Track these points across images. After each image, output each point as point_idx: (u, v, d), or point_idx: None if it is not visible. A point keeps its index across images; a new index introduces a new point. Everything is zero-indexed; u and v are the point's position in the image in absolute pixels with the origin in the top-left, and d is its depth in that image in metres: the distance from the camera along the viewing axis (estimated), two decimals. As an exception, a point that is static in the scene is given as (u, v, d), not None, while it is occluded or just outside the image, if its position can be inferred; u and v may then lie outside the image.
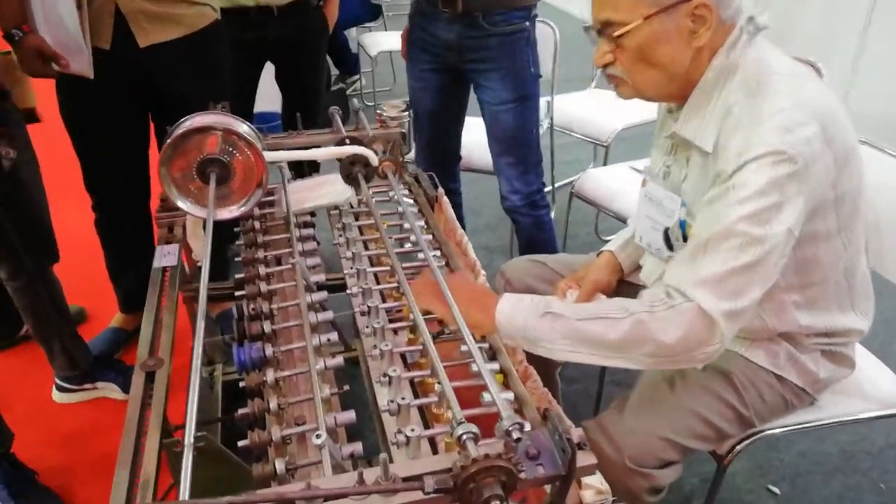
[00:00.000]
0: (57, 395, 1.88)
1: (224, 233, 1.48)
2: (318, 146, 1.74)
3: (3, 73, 1.48)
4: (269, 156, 1.22)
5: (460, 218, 2.20)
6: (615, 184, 2.07)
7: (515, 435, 0.72)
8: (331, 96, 3.83)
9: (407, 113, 1.67)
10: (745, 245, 0.90)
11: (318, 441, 0.80)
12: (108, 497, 0.84)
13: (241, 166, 1.22)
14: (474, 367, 0.99)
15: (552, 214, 2.18)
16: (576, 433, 0.76)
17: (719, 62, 0.99)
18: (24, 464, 1.60)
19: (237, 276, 1.27)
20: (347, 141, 1.34)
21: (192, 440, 0.70)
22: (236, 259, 1.36)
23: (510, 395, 0.96)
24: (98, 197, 1.86)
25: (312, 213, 1.47)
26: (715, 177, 0.97)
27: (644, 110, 2.59)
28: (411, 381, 1.05)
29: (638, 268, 1.34)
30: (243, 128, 1.22)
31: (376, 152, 1.34)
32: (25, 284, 1.62)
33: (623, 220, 2.03)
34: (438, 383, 0.96)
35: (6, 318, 1.90)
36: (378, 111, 1.67)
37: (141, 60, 1.64)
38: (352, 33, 4.43)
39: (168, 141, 1.16)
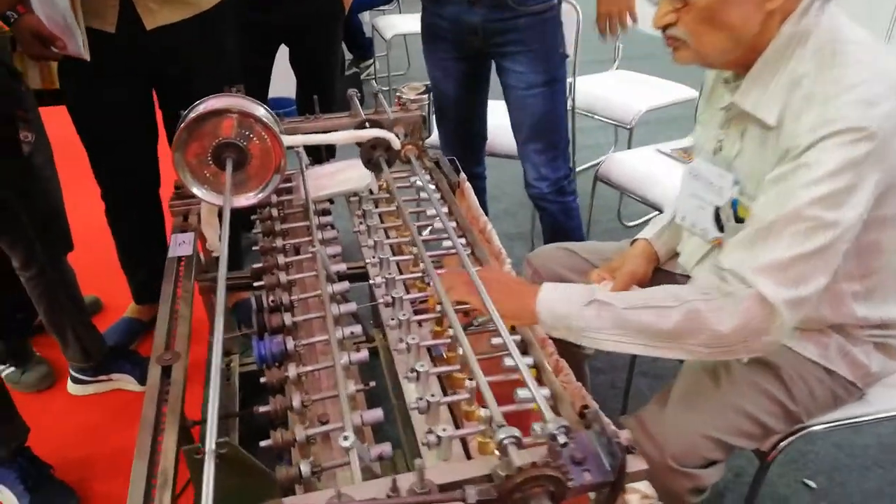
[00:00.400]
0: (72, 387, 1.85)
1: (239, 221, 1.43)
2: (337, 130, 1.70)
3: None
4: (287, 140, 1.16)
5: (483, 204, 2.14)
6: (642, 167, 2.00)
7: (562, 439, 0.66)
8: (345, 81, 3.76)
9: (427, 95, 1.61)
10: (813, 229, 0.84)
11: (346, 443, 0.75)
12: (124, 492, 0.81)
13: (258, 151, 1.16)
14: (508, 362, 0.95)
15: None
16: (624, 435, 0.70)
17: (789, 28, 0.92)
18: (39, 458, 1.57)
19: (255, 265, 1.22)
20: (367, 124, 1.29)
21: (213, 447, 0.65)
22: (253, 248, 1.32)
23: (546, 392, 0.90)
24: (106, 185, 1.82)
25: (330, 201, 1.42)
26: (782, 153, 0.91)
27: (668, 91, 2.52)
28: (438, 376, 0.99)
29: (674, 255, 1.28)
30: (260, 111, 1.17)
31: (398, 136, 1.28)
32: (38, 273, 1.59)
33: (650, 205, 1.96)
34: (469, 379, 0.91)
35: (21, 307, 1.86)
36: (398, 94, 1.61)
37: (147, 43, 1.58)
38: (365, 17, 4.35)
39: (182, 124, 1.11)
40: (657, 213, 2.50)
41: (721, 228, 1.10)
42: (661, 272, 1.29)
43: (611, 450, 0.67)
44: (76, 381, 1.83)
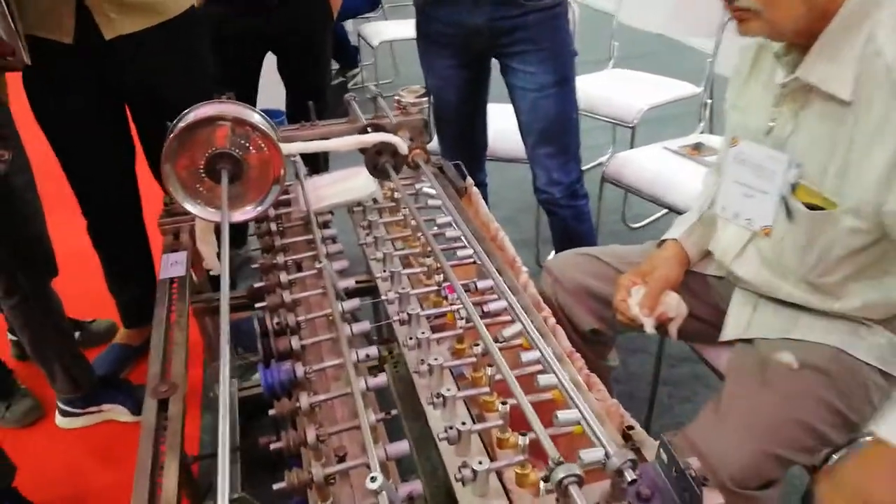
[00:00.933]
0: (60, 421, 1.74)
1: (233, 236, 1.34)
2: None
3: None
4: (285, 148, 1.07)
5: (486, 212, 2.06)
6: (651, 166, 1.93)
7: (629, 475, 0.57)
8: (331, 91, 3.67)
9: (427, 98, 1.53)
10: None
11: (374, 485, 0.66)
12: None
13: (256, 161, 1.08)
14: (542, 379, 0.86)
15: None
16: (694, 464, 0.62)
17: None
18: (26, 499, 1.46)
19: (253, 284, 1.12)
20: (370, 129, 1.20)
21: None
22: (252, 266, 1.23)
23: (590, 415, 0.81)
24: (84, 204, 1.72)
25: (331, 212, 1.33)
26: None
27: (669, 88, 2.45)
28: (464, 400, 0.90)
29: (706, 255, 1.20)
30: (255, 117, 1.08)
31: (404, 140, 1.19)
32: (20, 301, 1.49)
33: (662, 205, 1.89)
34: (503, 403, 0.82)
35: None
36: (396, 97, 1.53)
37: (108, 54, 1.48)
38: (349, 25, 4.27)
39: (171, 135, 1.02)
40: (665, 212, 2.44)
41: (790, 216, 1.00)
42: (691, 274, 1.21)
43: (683, 484, 0.58)
44: (64, 413, 1.72)
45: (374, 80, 3.98)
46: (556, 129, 1.75)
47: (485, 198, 2.02)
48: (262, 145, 1.06)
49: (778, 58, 0.99)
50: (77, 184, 1.66)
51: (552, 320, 1.08)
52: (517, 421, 0.91)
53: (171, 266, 1.27)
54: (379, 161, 1.14)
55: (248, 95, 2.11)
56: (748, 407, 0.96)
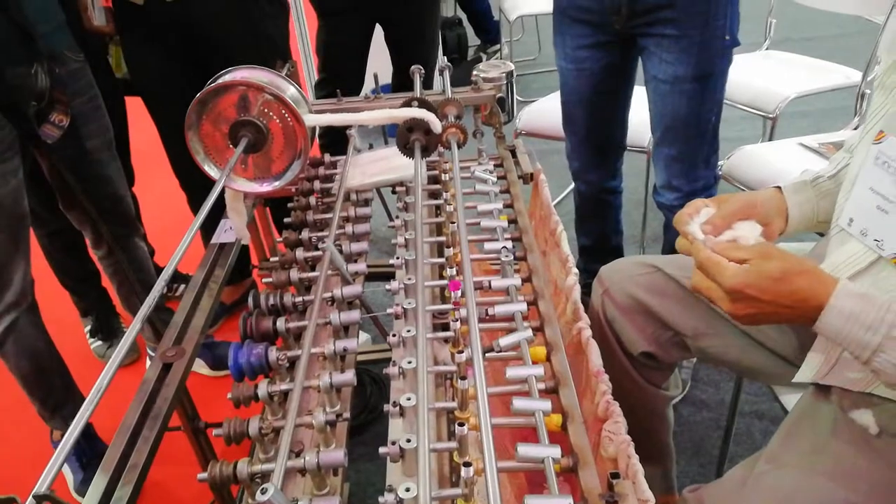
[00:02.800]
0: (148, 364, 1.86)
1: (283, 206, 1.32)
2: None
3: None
4: (308, 119, 1.02)
5: (618, 222, 1.85)
6: (777, 163, 1.65)
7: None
8: (463, 68, 3.60)
9: (505, 74, 1.41)
10: None
11: (263, 497, 0.59)
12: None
13: (280, 133, 1.03)
14: (517, 404, 0.74)
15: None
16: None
17: None
18: (98, 436, 1.57)
19: (273, 258, 1.10)
20: (414, 103, 1.11)
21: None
22: (285, 220, 1.20)
23: (555, 452, 0.68)
24: (181, 179, 1.81)
25: (378, 191, 1.27)
26: None
27: (826, 75, 2.09)
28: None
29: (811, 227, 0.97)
30: (286, 88, 1.04)
31: (446, 117, 1.09)
32: (107, 254, 1.60)
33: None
34: (461, 425, 0.72)
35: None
36: (475, 71, 1.43)
37: (174, 17, 1.51)
38: (497, -1, 4.17)
39: (196, 98, 1.01)
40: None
41: None
42: None
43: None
44: (151, 359, 1.84)
45: (512, 58, 3.85)
46: (683, 131, 1.48)
47: (619, 207, 1.82)
48: (288, 118, 1.02)
49: None
50: (167, 144, 1.74)
51: (587, 333, 0.94)
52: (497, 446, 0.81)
53: (224, 232, 1.29)
54: (409, 139, 1.05)
55: (356, 66, 2.10)
56: (792, 478, 0.76)
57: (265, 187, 1.05)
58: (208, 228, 1.91)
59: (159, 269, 1.73)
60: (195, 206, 1.88)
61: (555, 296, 1.11)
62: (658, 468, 1.21)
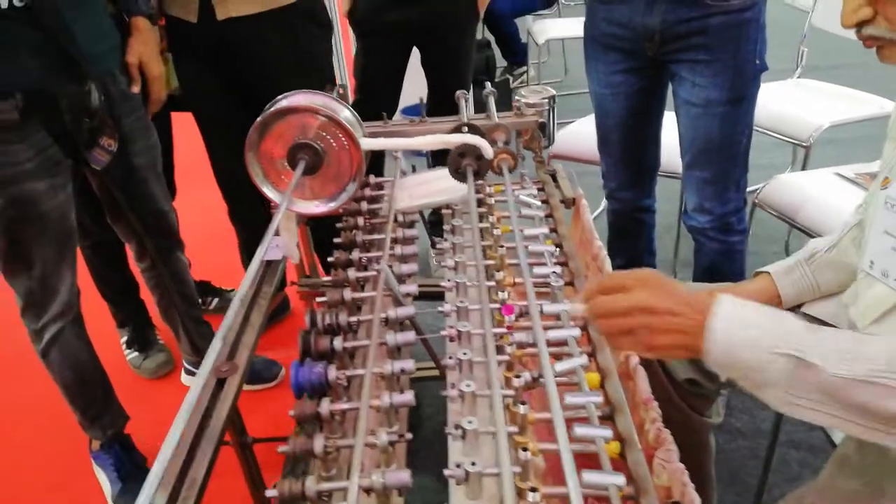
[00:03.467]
0: (185, 378, 1.90)
1: (329, 228, 1.35)
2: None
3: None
4: (365, 143, 1.05)
5: (650, 241, 1.87)
6: (814, 192, 1.65)
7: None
8: (495, 87, 3.64)
9: (548, 100, 1.43)
10: None
11: (340, 516, 0.60)
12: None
13: (336, 155, 1.06)
14: (578, 431, 0.75)
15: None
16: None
17: None
18: (136, 448, 1.60)
19: (325, 278, 1.12)
20: (466, 129, 1.14)
21: None
22: (335, 240, 1.23)
23: (620, 480, 0.69)
24: (224, 190, 1.85)
25: (421, 213, 1.29)
26: None
27: (860, 105, 2.10)
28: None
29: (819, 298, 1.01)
30: (341, 111, 1.07)
31: (495, 143, 1.12)
32: (150, 266, 1.63)
33: (809, 233, 1.62)
34: (524, 449, 0.73)
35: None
36: (516, 97, 1.45)
37: (224, 37, 1.55)
38: (526, 21, 4.21)
39: (258, 120, 1.04)
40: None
41: None
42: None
43: None
44: (188, 372, 1.88)
45: (539, 80, 3.89)
46: (716, 153, 1.51)
47: (652, 226, 1.85)
48: (344, 140, 1.05)
49: None
50: (212, 156, 1.79)
51: (635, 360, 0.95)
52: (552, 471, 0.81)
53: (272, 249, 1.31)
54: (461, 164, 1.08)
55: (392, 92, 2.14)
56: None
57: (321, 208, 1.08)
58: (249, 244, 1.96)
59: (195, 282, 1.77)
60: (237, 219, 1.92)
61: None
62: (700, 497, 1.21)
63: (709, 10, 1.35)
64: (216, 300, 2.14)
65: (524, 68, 4.05)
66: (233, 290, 2.22)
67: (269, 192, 1.07)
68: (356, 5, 2.01)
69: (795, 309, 1.06)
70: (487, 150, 1.06)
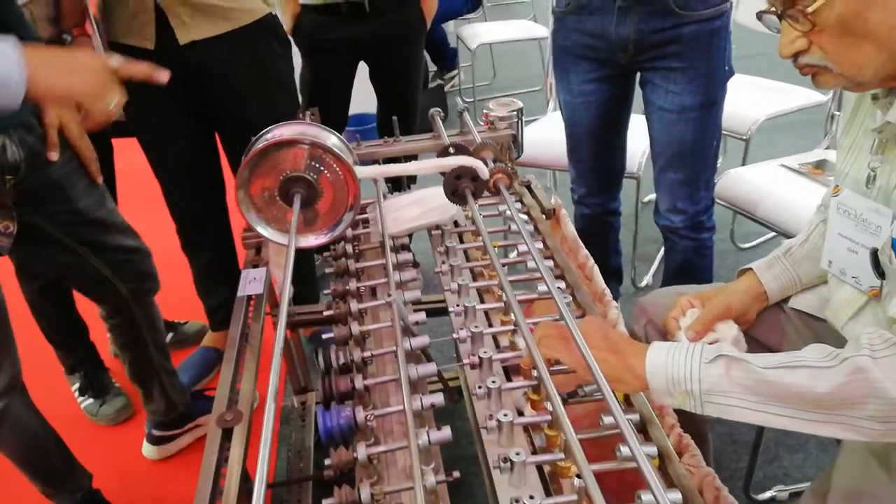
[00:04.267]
0: (148, 450, 1.70)
1: (309, 252, 1.31)
2: (416, 155, 1.56)
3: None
4: (360, 172, 1.02)
5: (616, 243, 1.91)
6: (763, 184, 1.74)
7: None
8: (428, 94, 3.63)
9: (516, 112, 1.44)
10: None
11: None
12: None
13: (330, 185, 1.03)
14: (624, 450, 0.76)
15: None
16: None
17: None
18: (107, 500, 1.50)
19: (326, 312, 1.09)
20: (451, 150, 1.13)
21: None
22: (327, 270, 1.20)
23: (677, 496, 0.71)
24: (173, 208, 1.76)
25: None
26: None
27: (790, 97, 2.23)
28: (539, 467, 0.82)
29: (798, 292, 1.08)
30: (332, 140, 1.03)
31: (485, 162, 1.11)
32: (124, 320, 1.49)
33: (770, 227, 1.71)
34: (578, 476, 0.73)
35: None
36: (485, 111, 1.46)
37: (186, 61, 1.47)
38: (450, 27, 4.23)
39: (245, 159, 0.99)
40: (774, 234, 2.22)
41: (882, 274, 0.88)
42: (809, 319, 1.07)
43: None
44: (157, 440, 1.69)
45: (471, 83, 3.91)
46: (689, 156, 1.54)
47: (617, 228, 1.89)
48: (338, 169, 1.02)
49: (875, 99, 0.86)
50: (166, 188, 1.70)
51: (643, 366, 0.97)
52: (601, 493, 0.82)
53: (249, 283, 1.26)
54: (458, 186, 1.07)
55: (341, 105, 2.11)
56: (861, 496, 0.81)
57: (320, 239, 1.04)
58: (208, 275, 1.87)
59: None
60: (189, 248, 1.84)
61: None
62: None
63: (681, 20, 1.38)
64: (171, 334, 2.04)
65: (455, 72, 4.07)
66: (188, 323, 2.12)
67: (264, 231, 1.02)
68: (299, 22, 1.97)
69: (782, 303, 1.11)
70: (483, 171, 1.05)
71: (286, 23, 1.96)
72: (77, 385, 1.86)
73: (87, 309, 1.69)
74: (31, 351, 1.71)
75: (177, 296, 2.02)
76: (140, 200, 1.93)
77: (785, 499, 1.46)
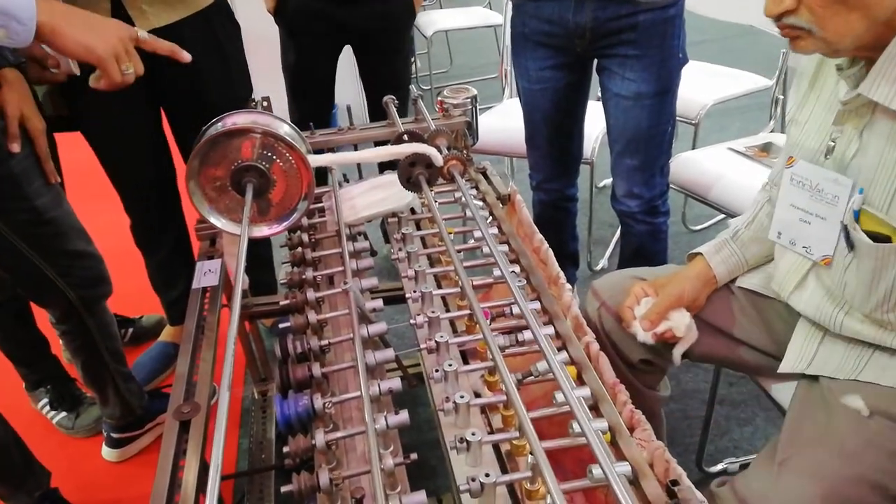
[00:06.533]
0: (108, 453, 1.67)
1: (267, 240, 1.30)
2: (371, 142, 1.56)
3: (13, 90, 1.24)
4: (313, 160, 1.02)
5: (573, 227, 1.93)
6: (713, 168, 1.80)
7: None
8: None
9: (470, 99, 1.45)
10: None
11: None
12: None
13: (283, 174, 1.03)
14: (576, 427, 0.78)
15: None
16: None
17: None
18: (69, 502, 1.47)
19: (282, 301, 1.08)
20: (405, 137, 1.13)
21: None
22: (283, 262, 1.19)
23: (626, 469, 0.73)
24: (126, 202, 1.72)
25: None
26: None
27: (737, 82, 2.29)
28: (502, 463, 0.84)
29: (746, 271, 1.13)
30: (284, 128, 1.03)
31: (440, 149, 1.12)
32: (74, 326, 1.45)
33: (719, 209, 1.76)
34: (531, 453, 0.75)
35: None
36: (440, 98, 1.46)
37: (143, 50, 1.44)
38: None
39: (195, 148, 0.98)
40: (724, 216, 2.29)
41: (851, 246, 0.90)
42: (752, 295, 1.11)
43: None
44: (116, 442, 1.66)
45: (428, 70, 3.91)
46: (645, 142, 1.57)
47: (574, 214, 1.91)
48: (290, 158, 1.01)
49: (840, 70, 0.89)
50: (117, 183, 1.66)
51: (595, 346, 1.00)
52: (558, 469, 0.84)
53: (204, 275, 1.25)
54: (412, 173, 1.07)
55: (324, 89, 2.07)
56: (809, 460, 0.85)
57: (274, 229, 1.04)
58: (163, 268, 1.84)
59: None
60: (145, 244, 1.80)
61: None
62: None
63: (637, 8, 1.40)
64: (130, 330, 2.00)
65: (412, 59, 4.05)
66: (143, 317, 2.08)
67: (217, 221, 1.01)
68: (283, 1, 1.90)
69: (730, 284, 1.15)
70: (437, 158, 1.06)
71: (267, 1, 1.91)
72: (45, 400, 1.78)
73: (45, 320, 1.64)
74: None
75: (130, 292, 1.98)
76: (85, 196, 1.88)
77: (735, 470, 1.52)
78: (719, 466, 1.52)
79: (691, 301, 1.11)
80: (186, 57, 1.13)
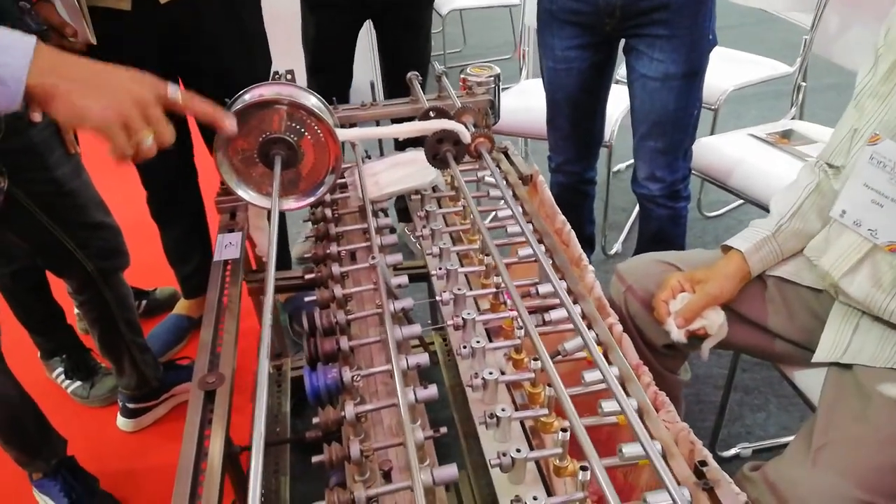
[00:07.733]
0: (123, 423, 1.69)
1: (281, 216, 1.29)
2: (398, 118, 1.55)
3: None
4: (341, 134, 1.01)
5: (591, 211, 1.92)
6: (735, 154, 1.78)
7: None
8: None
9: (494, 78, 1.44)
10: None
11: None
12: None
13: (311, 147, 1.02)
14: (606, 406, 0.79)
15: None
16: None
17: None
18: (85, 470, 1.49)
19: (307, 275, 1.08)
20: (432, 114, 1.12)
21: None
22: (306, 235, 1.19)
23: (657, 447, 0.74)
24: (143, 175, 1.72)
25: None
26: None
27: (758, 67, 2.27)
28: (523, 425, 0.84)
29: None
30: (312, 100, 1.02)
31: (466, 126, 1.12)
32: (92, 297, 1.46)
33: (739, 196, 1.75)
34: (563, 430, 0.75)
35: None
36: (463, 76, 1.45)
37: (165, 21, 1.42)
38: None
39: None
40: (741, 202, 2.28)
41: None
42: (782, 283, 1.10)
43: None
44: (131, 413, 1.68)
45: (442, 50, 3.87)
46: (671, 125, 1.55)
47: (593, 197, 1.90)
48: (318, 131, 1.01)
49: None
50: (146, 172, 1.66)
51: (619, 328, 1.00)
52: (578, 446, 0.84)
53: (225, 248, 1.25)
54: (440, 150, 1.07)
55: (344, 64, 2.04)
56: (844, 448, 0.85)
57: (300, 202, 1.04)
58: (181, 243, 1.84)
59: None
60: (162, 218, 1.80)
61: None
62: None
63: None
64: (144, 302, 2.01)
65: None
66: (157, 290, 2.09)
67: (245, 194, 1.01)
68: None
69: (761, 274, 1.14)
70: (465, 135, 1.06)
71: None
72: (60, 369, 1.80)
73: (61, 290, 1.65)
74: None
75: (144, 264, 1.98)
76: (101, 168, 1.88)
77: (748, 455, 1.53)
78: (733, 451, 1.53)
79: (728, 299, 1.10)
80: (230, 128, 0.91)
